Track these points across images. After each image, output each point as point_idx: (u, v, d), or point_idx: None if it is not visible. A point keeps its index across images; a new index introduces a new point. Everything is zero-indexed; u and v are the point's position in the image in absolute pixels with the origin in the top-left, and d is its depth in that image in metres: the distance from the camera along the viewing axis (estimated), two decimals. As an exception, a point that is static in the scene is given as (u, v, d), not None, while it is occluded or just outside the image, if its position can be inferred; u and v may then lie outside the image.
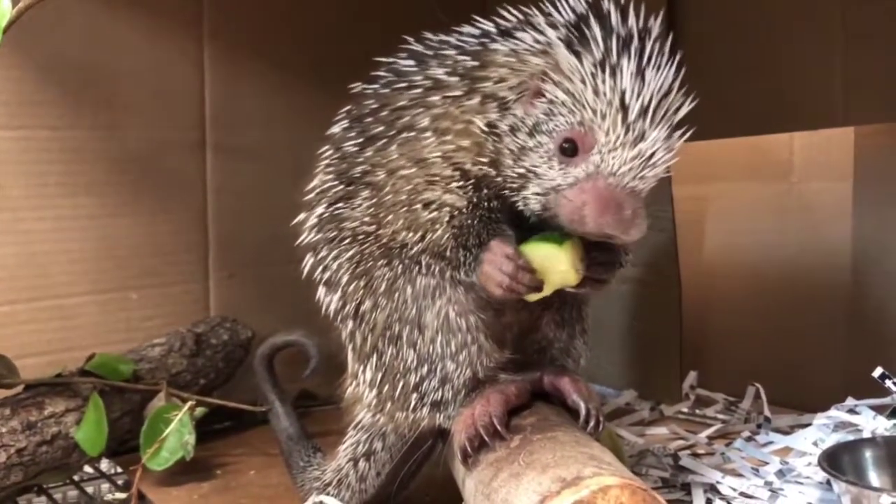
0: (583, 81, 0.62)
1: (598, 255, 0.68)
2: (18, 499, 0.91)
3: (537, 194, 0.65)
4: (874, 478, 0.79)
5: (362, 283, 0.72)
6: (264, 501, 0.90)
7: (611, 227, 0.62)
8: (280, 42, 1.21)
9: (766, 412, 1.02)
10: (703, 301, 1.23)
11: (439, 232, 0.67)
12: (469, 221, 0.67)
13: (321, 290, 0.77)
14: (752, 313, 1.21)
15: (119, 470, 1.00)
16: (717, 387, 1.15)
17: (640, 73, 0.61)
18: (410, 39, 0.72)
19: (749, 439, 0.97)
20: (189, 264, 1.16)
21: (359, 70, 0.74)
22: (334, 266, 0.74)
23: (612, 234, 0.63)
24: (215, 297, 1.18)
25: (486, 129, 0.66)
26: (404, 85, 0.70)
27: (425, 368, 0.70)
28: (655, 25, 0.63)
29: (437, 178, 0.67)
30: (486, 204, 0.67)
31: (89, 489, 0.98)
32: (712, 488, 0.85)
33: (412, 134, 0.68)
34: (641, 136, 0.62)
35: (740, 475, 0.87)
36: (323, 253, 0.76)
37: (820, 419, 0.94)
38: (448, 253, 0.68)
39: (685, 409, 1.12)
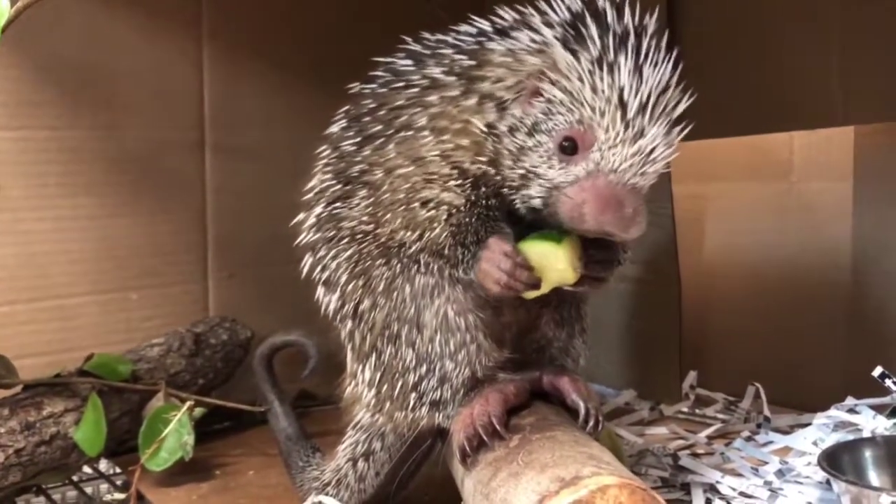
0: (580, 79, 0.62)
1: (595, 253, 0.67)
2: (17, 499, 0.91)
3: (538, 193, 0.65)
4: (874, 477, 0.79)
5: (361, 283, 0.72)
6: (263, 501, 0.90)
7: (611, 225, 0.62)
8: (279, 42, 1.21)
9: (766, 412, 1.02)
10: (703, 300, 1.23)
11: (437, 230, 0.67)
12: (467, 219, 0.67)
13: (320, 290, 0.77)
14: (752, 313, 1.21)
15: (118, 470, 0.99)
16: (716, 386, 1.15)
17: (637, 69, 0.61)
18: (408, 39, 0.72)
19: (749, 439, 0.97)
20: (188, 264, 1.16)
21: (358, 70, 0.74)
22: (333, 266, 0.74)
23: (612, 231, 0.63)
24: (214, 297, 1.18)
25: (485, 129, 0.66)
26: (402, 84, 0.70)
27: (424, 368, 0.70)
28: (651, 22, 0.63)
29: (436, 177, 0.67)
30: (484, 202, 0.67)
31: (88, 489, 0.98)
32: (712, 488, 0.85)
33: (410, 133, 0.68)
34: (641, 133, 0.62)
35: (740, 475, 0.87)
36: (321, 253, 0.76)
37: (820, 419, 0.94)
38: (446, 251, 0.67)
39: (685, 409, 1.12)
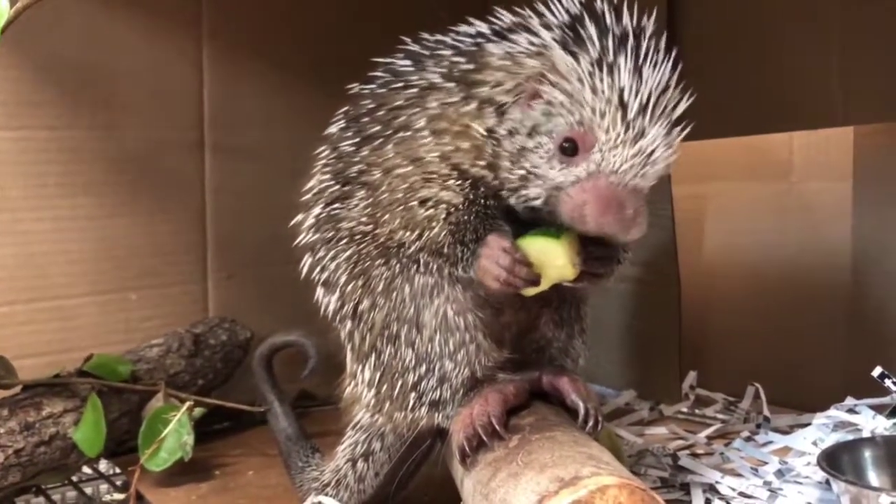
0: (580, 81, 0.62)
1: (594, 249, 0.67)
2: (17, 499, 0.91)
3: (537, 193, 0.65)
4: (873, 477, 0.79)
5: (360, 283, 0.72)
6: (263, 502, 0.90)
7: (612, 226, 0.62)
8: (279, 42, 1.21)
9: (766, 412, 1.02)
10: (703, 301, 1.23)
11: (436, 229, 0.67)
12: (466, 217, 0.67)
13: (319, 291, 0.77)
14: (752, 313, 1.21)
15: (117, 471, 0.99)
16: (716, 386, 1.15)
17: (637, 70, 0.61)
18: (407, 40, 0.72)
19: (748, 439, 0.97)
20: (188, 265, 1.16)
21: (358, 70, 0.74)
22: (332, 266, 0.74)
23: (613, 233, 0.63)
24: (214, 297, 1.18)
25: (484, 133, 0.66)
26: (401, 85, 0.70)
27: (423, 368, 0.70)
28: (650, 23, 0.63)
29: (434, 176, 0.67)
30: (482, 200, 0.67)
31: (88, 490, 0.98)
32: (711, 488, 0.85)
33: (408, 133, 0.68)
34: (641, 133, 0.62)
35: (739, 475, 0.87)
36: (321, 253, 0.76)
37: (819, 419, 0.94)
38: (445, 249, 0.67)
39: (684, 409, 1.12)
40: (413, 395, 0.71)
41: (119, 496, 0.94)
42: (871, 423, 0.90)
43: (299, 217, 0.78)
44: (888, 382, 0.90)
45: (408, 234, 0.68)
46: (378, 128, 0.70)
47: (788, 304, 1.16)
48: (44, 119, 1.04)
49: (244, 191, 1.19)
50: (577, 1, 0.64)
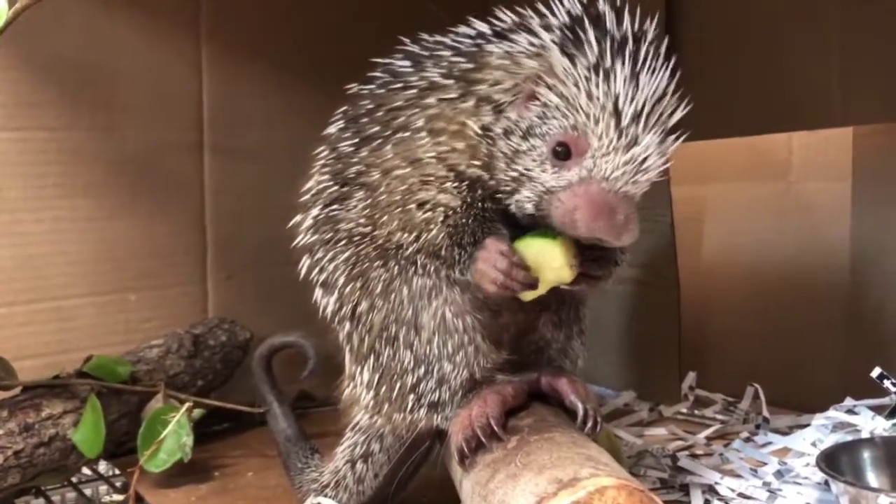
0: (576, 85, 0.62)
1: (591, 251, 0.67)
2: (16, 501, 0.91)
3: (530, 196, 0.65)
4: (872, 478, 0.79)
5: (358, 285, 0.72)
6: (262, 503, 0.90)
7: (603, 231, 0.62)
8: (279, 42, 1.21)
9: (765, 413, 1.02)
10: (702, 301, 1.23)
11: (434, 231, 0.67)
12: (463, 220, 0.67)
13: (318, 292, 0.77)
14: (751, 313, 1.21)
15: (117, 472, 0.99)
16: (715, 387, 1.15)
17: (634, 77, 0.61)
18: (406, 40, 0.72)
19: (747, 440, 0.97)
20: (187, 266, 1.16)
21: (358, 70, 0.74)
22: (330, 268, 0.74)
23: (604, 238, 0.63)
24: (213, 298, 1.18)
25: (480, 132, 0.66)
26: (400, 86, 0.70)
27: (422, 369, 0.70)
28: (651, 27, 0.63)
29: (432, 178, 0.67)
30: (480, 203, 0.67)
31: (87, 491, 0.98)
32: (711, 489, 0.85)
33: (407, 134, 0.68)
34: (634, 141, 0.62)
35: (739, 476, 0.87)
36: (319, 254, 0.76)
37: (818, 419, 0.94)
38: (443, 252, 0.67)
39: (684, 410, 1.12)
40: (412, 396, 0.71)
41: (118, 497, 0.94)
42: (870, 423, 0.90)
43: (298, 218, 0.78)
44: (887, 383, 0.90)
45: (406, 235, 0.68)
46: (377, 128, 0.71)
47: (787, 304, 1.16)
48: (43, 120, 1.04)
49: (243, 192, 1.19)
50: (578, 2, 0.64)
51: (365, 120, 0.72)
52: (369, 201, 0.70)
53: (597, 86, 0.61)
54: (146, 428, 0.91)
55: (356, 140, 0.72)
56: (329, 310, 0.76)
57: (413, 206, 0.68)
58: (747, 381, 1.09)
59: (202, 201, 1.17)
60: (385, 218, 0.69)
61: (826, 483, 0.80)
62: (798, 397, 1.07)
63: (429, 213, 0.67)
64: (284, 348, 0.94)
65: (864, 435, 0.88)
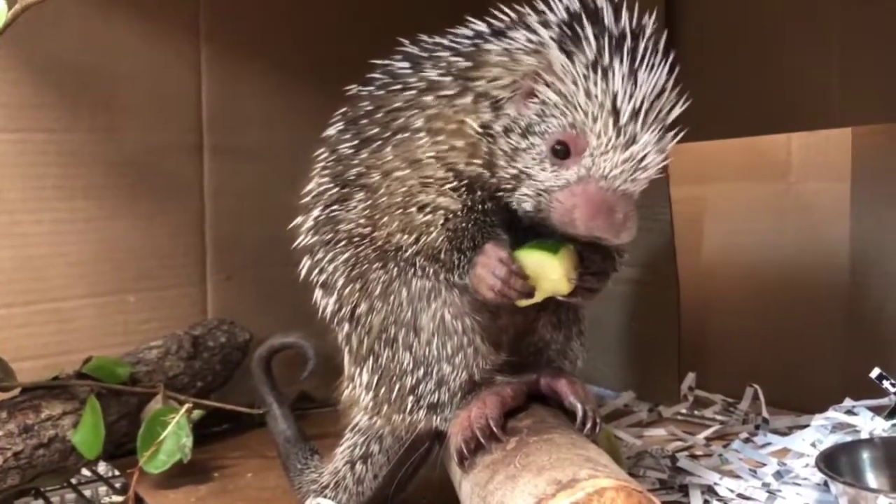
0: (574, 83, 0.62)
1: (591, 264, 0.68)
2: (15, 502, 0.91)
3: (529, 195, 0.65)
4: (872, 479, 0.79)
5: (358, 286, 0.72)
6: (261, 504, 0.90)
7: (602, 230, 0.62)
8: (278, 43, 1.21)
9: (764, 413, 1.02)
10: (702, 302, 1.23)
11: (433, 234, 0.67)
12: (464, 224, 0.67)
13: (317, 293, 0.77)
14: (751, 314, 1.21)
15: (116, 473, 1.00)
16: (715, 388, 1.15)
17: (632, 74, 0.61)
18: (405, 41, 0.72)
19: (747, 440, 0.97)
20: (186, 267, 1.16)
21: (358, 71, 0.74)
22: (330, 269, 0.74)
23: (603, 236, 0.63)
24: (213, 299, 1.18)
25: (479, 129, 0.66)
26: (399, 87, 0.70)
27: (421, 371, 0.70)
28: (649, 24, 0.63)
29: (431, 181, 0.67)
30: (480, 207, 0.67)
31: (87, 492, 0.98)
32: (710, 490, 0.85)
33: (406, 135, 0.68)
34: (633, 140, 0.62)
35: (738, 476, 0.87)
36: (319, 255, 0.76)
37: (818, 420, 0.94)
38: (442, 255, 0.67)
39: (683, 411, 1.12)
40: (411, 398, 0.71)
41: (118, 498, 0.94)
42: (869, 424, 0.90)
43: (298, 219, 0.78)
44: (886, 384, 0.90)
45: (405, 237, 0.68)
46: (376, 130, 0.70)
47: (787, 304, 1.16)
48: (43, 121, 1.04)
49: (243, 192, 1.19)
50: None
51: (364, 121, 0.72)
52: (369, 203, 0.70)
53: (595, 83, 0.61)
54: (145, 429, 0.91)
55: (356, 142, 0.72)
56: (328, 311, 0.76)
57: (413, 208, 0.68)
58: (747, 382, 1.09)
59: (202, 202, 1.17)
60: (385, 219, 0.69)
61: (825, 484, 0.80)
62: (797, 398, 1.07)
63: (429, 216, 0.67)
64: (284, 349, 0.94)
65: (864, 435, 0.88)
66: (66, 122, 1.05)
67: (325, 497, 0.82)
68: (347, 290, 0.73)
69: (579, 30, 0.62)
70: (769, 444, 0.96)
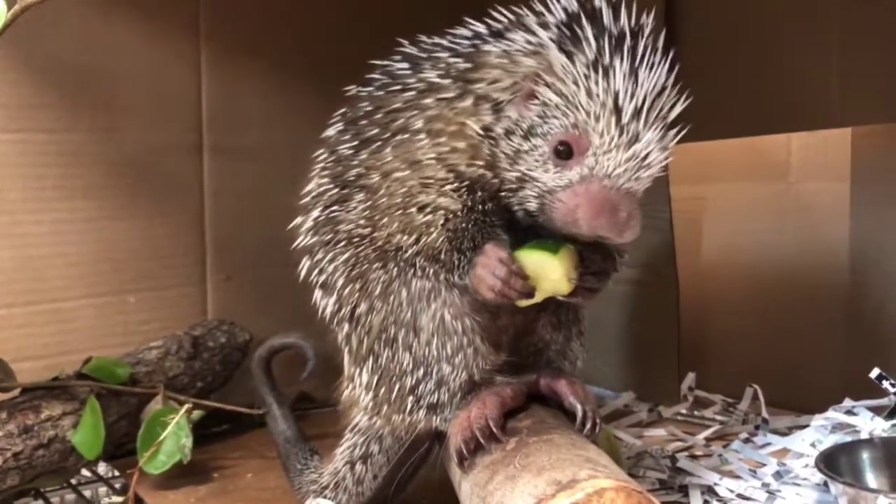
0: (575, 83, 0.62)
1: (591, 265, 0.68)
2: (15, 503, 0.91)
3: (532, 197, 0.65)
4: (871, 479, 0.79)
5: (357, 286, 0.72)
6: (261, 504, 0.90)
7: (605, 229, 0.62)
8: (278, 43, 1.21)
9: (764, 413, 1.02)
10: (701, 302, 1.23)
11: (434, 235, 0.67)
12: (464, 225, 0.67)
13: (317, 293, 0.77)
14: (751, 314, 1.21)
15: (116, 473, 1.00)
16: (715, 388, 1.15)
17: (633, 73, 0.61)
18: (405, 42, 0.72)
19: (747, 441, 0.97)
20: (186, 267, 1.16)
21: (358, 71, 0.74)
22: (330, 269, 0.74)
23: (606, 236, 0.63)
24: (213, 299, 1.18)
25: (481, 132, 0.65)
26: (398, 87, 0.70)
27: (421, 371, 0.70)
28: (648, 22, 0.63)
29: (432, 181, 0.67)
30: (480, 207, 0.67)
31: (86, 493, 0.98)
32: (710, 490, 0.85)
33: (406, 136, 0.68)
34: (636, 138, 0.62)
35: (738, 477, 0.87)
36: (319, 256, 0.76)
37: (818, 420, 0.94)
38: (442, 256, 0.67)
39: (683, 411, 1.12)
40: (411, 398, 0.71)
41: (118, 499, 0.94)
42: (869, 424, 0.90)
43: (298, 220, 0.78)
44: (886, 384, 0.90)
45: (405, 238, 0.68)
46: (376, 131, 0.70)
47: (787, 304, 1.16)
48: (42, 122, 1.04)
49: (243, 193, 1.18)
50: None
51: (364, 122, 0.72)
52: (369, 203, 0.70)
53: (596, 83, 0.61)
54: (145, 429, 0.91)
55: (356, 142, 0.72)
56: (328, 311, 0.76)
57: (413, 209, 0.68)
58: (747, 382, 1.09)
59: (201, 202, 1.17)
60: (385, 220, 0.69)
61: (825, 484, 0.80)
62: (797, 398, 1.07)
63: (429, 217, 0.67)
64: (284, 349, 0.94)
65: (864, 436, 0.88)
66: (66, 122, 1.05)
67: (324, 497, 0.82)
68: (347, 291, 0.73)
69: (578, 30, 0.62)
70: (769, 444, 0.96)
